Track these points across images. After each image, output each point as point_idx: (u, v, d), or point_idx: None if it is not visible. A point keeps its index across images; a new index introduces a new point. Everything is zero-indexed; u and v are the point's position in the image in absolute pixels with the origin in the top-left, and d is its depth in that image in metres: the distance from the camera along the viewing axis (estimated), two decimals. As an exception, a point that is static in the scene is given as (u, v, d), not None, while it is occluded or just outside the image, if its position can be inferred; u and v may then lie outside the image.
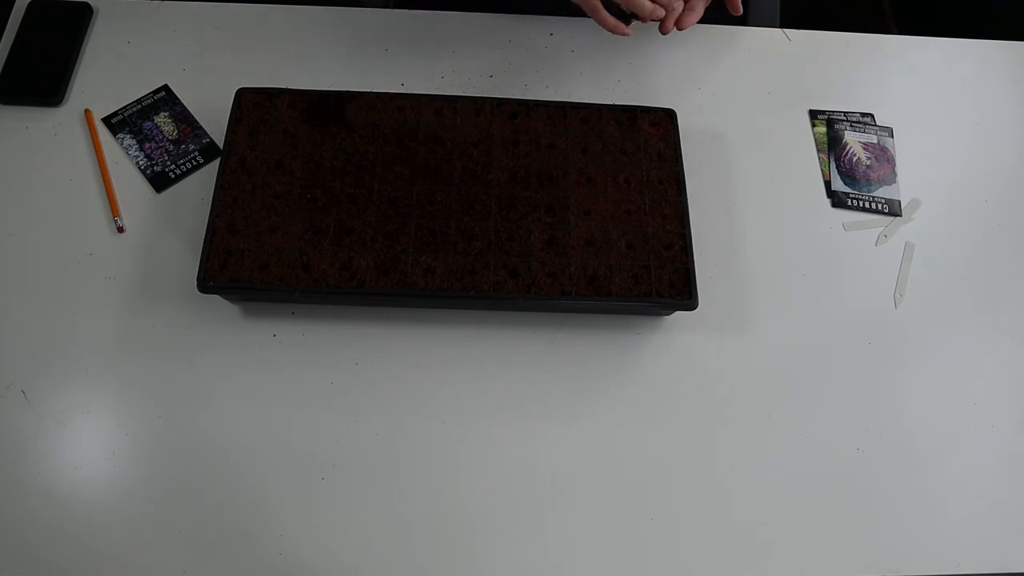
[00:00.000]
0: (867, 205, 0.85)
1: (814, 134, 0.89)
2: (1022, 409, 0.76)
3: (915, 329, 0.79)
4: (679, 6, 0.80)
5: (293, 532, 0.67)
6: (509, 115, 0.80)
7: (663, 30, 0.81)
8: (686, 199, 0.76)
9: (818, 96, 0.91)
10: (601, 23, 0.80)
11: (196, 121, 0.84)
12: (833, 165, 0.87)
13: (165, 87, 0.86)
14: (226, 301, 0.75)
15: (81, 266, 0.76)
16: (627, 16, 0.81)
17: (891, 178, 0.87)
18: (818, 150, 0.88)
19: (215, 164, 0.81)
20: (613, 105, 0.82)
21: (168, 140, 0.83)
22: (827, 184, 0.86)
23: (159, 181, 0.80)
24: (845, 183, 0.86)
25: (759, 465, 0.72)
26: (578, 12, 0.85)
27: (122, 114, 0.84)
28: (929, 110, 0.92)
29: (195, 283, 0.69)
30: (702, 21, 0.86)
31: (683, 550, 0.68)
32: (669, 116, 0.81)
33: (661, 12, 0.78)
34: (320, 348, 0.74)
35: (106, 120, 0.83)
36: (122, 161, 0.81)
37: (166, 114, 0.84)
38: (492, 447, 0.71)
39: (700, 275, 0.74)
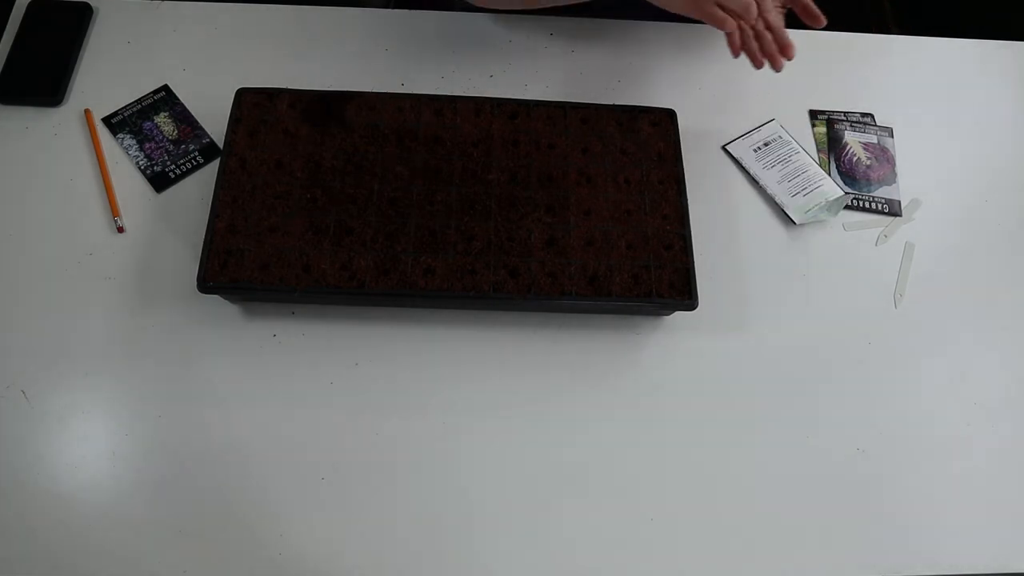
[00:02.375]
0: (867, 205, 0.85)
1: (814, 134, 0.89)
2: (1022, 409, 0.76)
3: (915, 329, 0.79)
4: (767, 34, 0.74)
5: (293, 532, 0.67)
6: (509, 115, 0.80)
7: (777, 67, 0.74)
8: (686, 199, 0.76)
9: (818, 96, 0.91)
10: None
11: (196, 121, 0.84)
12: (833, 165, 0.87)
13: (165, 87, 0.86)
14: (226, 301, 0.75)
15: (81, 266, 0.76)
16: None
17: (891, 178, 0.87)
18: (818, 150, 0.88)
19: (215, 164, 0.81)
20: (613, 105, 0.82)
21: (168, 140, 0.83)
22: (827, 184, 0.86)
23: (159, 181, 0.80)
24: (845, 183, 0.86)
25: (759, 465, 0.72)
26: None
27: (122, 114, 0.84)
28: (929, 110, 0.92)
29: (195, 283, 0.69)
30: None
31: (683, 550, 0.68)
32: (669, 116, 0.81)
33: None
34: (320, 348, 0.74)
35: (106, 120, 0.83)
36: (122, 161, 0.81)
37: (166, 114, 0.84)
38: (492, 447, 0.71)
39: (700, 275, 0.74)
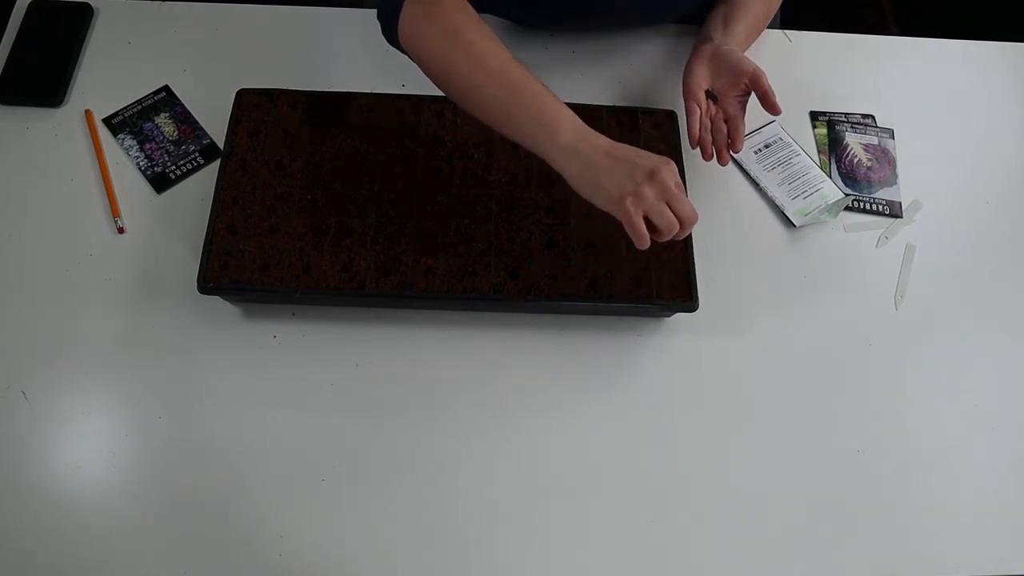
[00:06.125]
0: (868, 207, 0.85)
1: (815, 135, 0.89)
2: (1022, 411, 0.76)
3: (915, 331, 0.79)
4: (723, 127, 0.78)
5: (293, 533, 0.67)
6: (510, 116, 0.80)
7: (722, 161, 0.78)
8: (687, 201, 0.76)
9: (819, 97, 0.91)
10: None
11: (196, 122, 0.84)
12: (834, 166, 0.87)
13: (165, 87, 0.86)
14: (226, 302, 0.75)
15: (81, 267, 0.76)
16: None
17: (892, 179, 0.87)
18: (819, 151, 0.88)
19: (215, 165, 0.80)
20: (614, 106, 0.82)
21: (168, 141, 0.83)
22: (828, 185, 0.86)
23: (159, 182, 0.80)
24: (846, 184, 0.86)
25: (759, 467, 0.72)
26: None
27: (122, 115, 0.84)
28: (930, 112, 0.92)
29: (195, 284, 0.69)
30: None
31: (682, 551, 0.68)
32: (670, 117, 0.81)
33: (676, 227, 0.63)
34: (320, 349, 0.74)
35: (106, 121, 0.83)
36: (122, 162, 0.81)
37: (166, 115, 0.84)
38: (492, 448, 0.71)
39: (700, 277, 0.74)
